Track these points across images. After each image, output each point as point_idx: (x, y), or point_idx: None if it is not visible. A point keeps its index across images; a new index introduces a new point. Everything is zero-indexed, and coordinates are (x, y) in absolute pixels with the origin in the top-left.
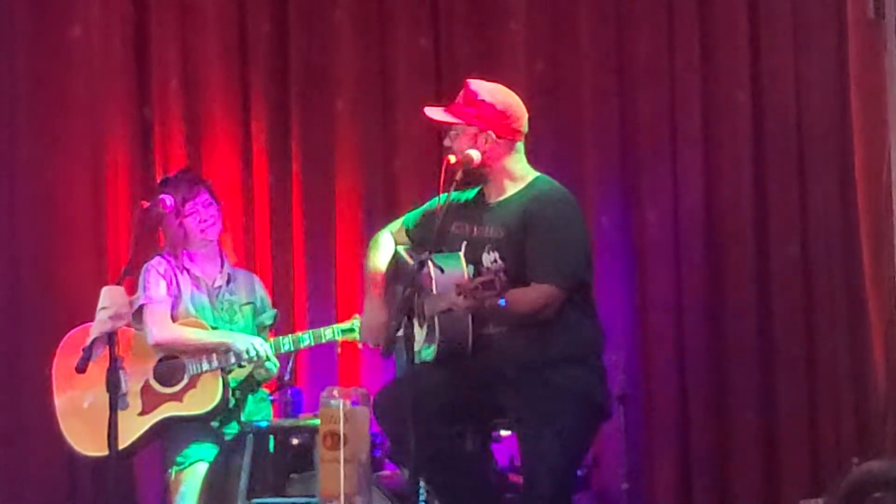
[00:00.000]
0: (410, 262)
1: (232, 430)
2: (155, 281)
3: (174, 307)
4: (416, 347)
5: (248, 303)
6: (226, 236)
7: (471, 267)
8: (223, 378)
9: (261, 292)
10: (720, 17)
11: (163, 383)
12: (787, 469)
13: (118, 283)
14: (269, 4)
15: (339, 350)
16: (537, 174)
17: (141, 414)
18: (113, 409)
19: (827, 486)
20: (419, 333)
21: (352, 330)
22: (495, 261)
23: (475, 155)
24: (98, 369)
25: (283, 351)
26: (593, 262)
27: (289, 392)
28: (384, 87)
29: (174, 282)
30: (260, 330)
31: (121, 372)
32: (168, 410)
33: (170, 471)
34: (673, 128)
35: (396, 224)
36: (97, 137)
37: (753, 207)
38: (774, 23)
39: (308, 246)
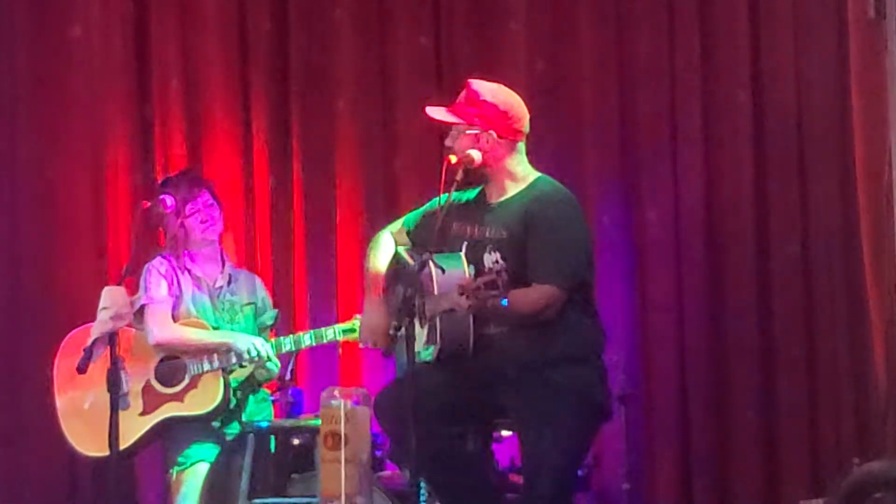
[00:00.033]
0: (411, 262)
1: (233, 430)
2: (156, 281)
3: (175, 307)
4: (417, 348)
5: (250, 303)
6: (227, 236)
7: (472, 267)
8: (224, 378)
9: (262, 293)
10: (720, 16)
11: (164, 383)
12: (787, 469)
13: (119, 284)
14: (270, 3)
15: (341, 350)
16: (538, 174)
17: (142, 414)
18: (114, 409)
19: (827, 486)
20: (420, 334)
21: (353, 330)
22: (497, 261)
23: (476, 155)
24: (99, 369)
25: (284, 351)
26: (594, 262)
27: (290, 392)
28: (385, 87)
29: (175, 282)
30: (261, 330)
31: (122, 372)
32: (169, 411)
33: (171, 471)
34: (673, 127)
35: (397, 224)
36: (97, 137)
37: (754, 207)
38: (775, 22)
39: (309, 246)
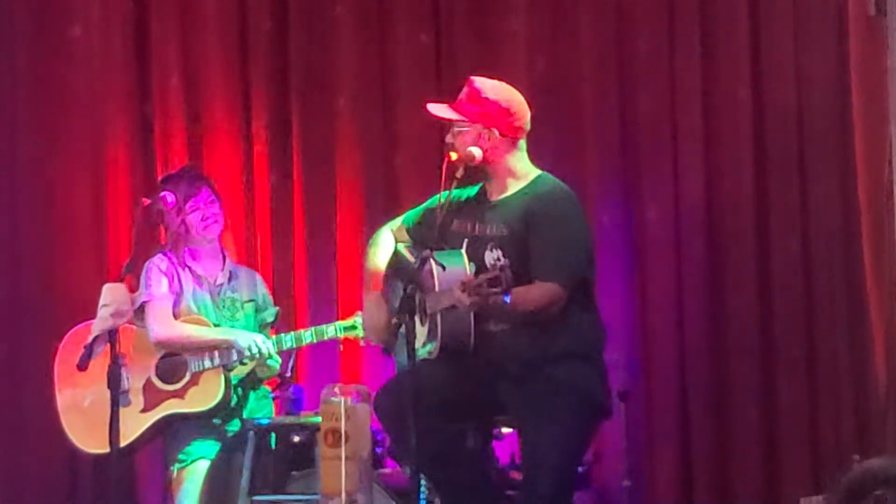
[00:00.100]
0: (411, 259)
1: (234, 427)
2: (157, 278)
3: (176, 304)
4: (417, 345)
5: (250, 300)
6: (227, 234)
7: (472, 265)
8: (225, 375)
9: (262, 290)
10: (721, 14)
11: (165, 380)
12: (787, 467)
13: (119, 281)
14: (270, 2)
15: (341, 347)
16: (539, 172)
17: (143, 411)
18: (114, 406)
19: (827, 483)
20: (420, 331)
21: (354, 327)
22: (498, 259)
23: (476, 152)
24: (99, 367)
25: (284, 348)
26: (595, 260)
27: (290, 389)
28: (385, 85)
29: (176, 279)
30: (262, 327)
31: (122, 369)
32: (170, 408)
33: (172, 468)
34: (673, 125)
35: (397, 222)
36: (97, 135)
37: (754, 205)
38: (775, 19)
39: (309, 243)
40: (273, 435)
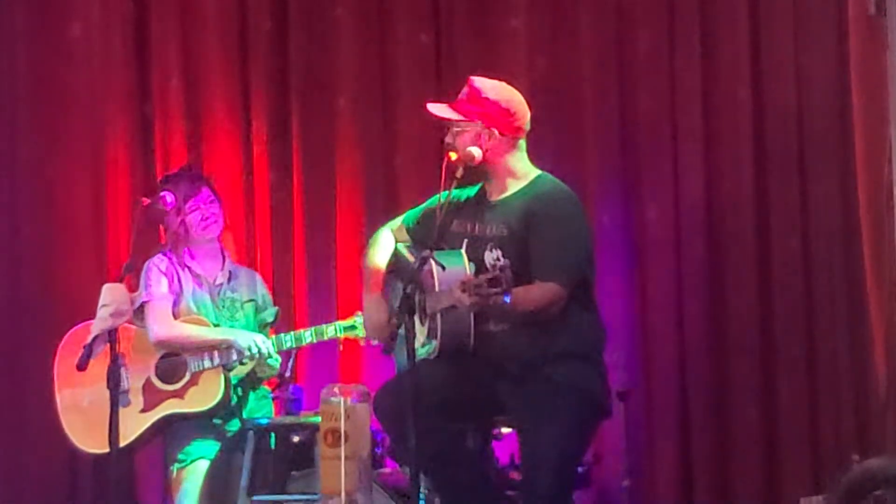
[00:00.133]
0: (411, 259)
1: (234, 427)
2: (156, 278)
3: (176, 304)
4: (417, 345)
5: (250, 300)
6: (227, 234)
7: (472, 265)
8: (225, 375)
9: (262, 290)
10: (721, 14)
11: (164, 380)
12: (787, 466)
13: (119, 281)
14: (270, 2)
15: (341, 347)
16: (539, 172)
17: (142, 411)
18: (114, 406)
19: (827, 483)
20: (420, 331)
21: (353, 327)
22: (497, 259)
23: (476, 153)
24: (99, 367)
25: (284, 348)
26: (595, 260)
27: (290, 389)
28: (385, 85)
29: (176, 279)
30: (261, 327)
31: (122, 369)
32: (169, 407)
33: (171, 468)
34: (673, 125)
35: (397, 222)
36: (97, 135)
37: (754, 205)
38: (775, 19)
39: (309, 243)
40: (273, 435)
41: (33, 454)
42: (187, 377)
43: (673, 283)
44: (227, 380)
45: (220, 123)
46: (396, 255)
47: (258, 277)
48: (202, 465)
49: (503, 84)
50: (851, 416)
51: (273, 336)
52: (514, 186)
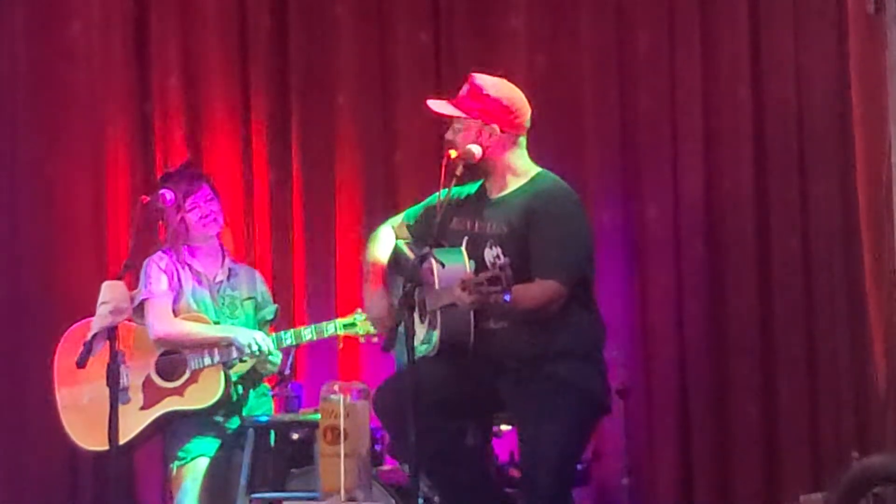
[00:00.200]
0: (411, 256)
1: (233, 424)
2: (156, 276)
3: (175, 302)
4: (416, 343)
5: (250, 298)
6: (226, 231)
7: (472, 262)
8: (225, 372)
9: (262, 287)
10: (721, 13)
11: (164, 378)
12: (787, 465)
13: (119, 278)
14: (270, 1)
15: (341, 345)
16: (539, 169)
17: (142, 408)
18: (113, 403)
19: (827, 481)
20: (420, 328)
21: (353, 324)
22: (498, 256)
23: (476, 150)
24: (99, 364)
25: (284, 345)
26: (595, 258)
27: (289, 387)
28: (385, 84)
29: (175, 276)
30: (261, 325)
31: (122, 367)
32: (169, 405)
33: (171, 465)
34: (673, 125)
35: (397, 219)
36: (97, 133)
37: (754, 204)
38: (775, 19)
39: (308, 241)
40: (272, 432)
41: (33, 454)
42: (187, 374)
43: (673, 282)
44: (227, 377)
45: (220, 123)
46: (397, 251)
47: (257, 275)
48: (202, 463)
49: (504, 81)
50: (851, 416)
51: (273, 333)
52: (514, 184)
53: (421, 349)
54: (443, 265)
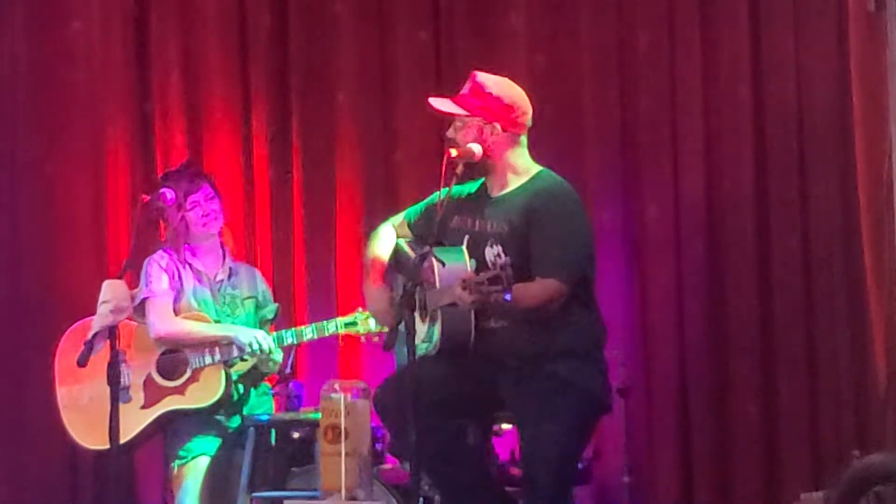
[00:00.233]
0: (412, 255)
1: (234, 423)
2: (157, 274)
3: (176, 301)
4: (417, 342)
5: (250, 297)
6: (227, 230)
7: (473, 261)
8: (226, 371)
9: (262, 286)
10: (721, 13)
11: (165, 377)
12: (787, 465)
13: (119, 277)
14: (270, 0)
15: (341, 344)
16: (540, 168)
17: (143, 407)
18: (114, 402)
19: (827, 479)
20: (421, 327)
21: (354, 323)
22: (499, 255)
23: (476, 149)
24: (100, 363)
25: (285, 344)
26: (595, 257)
27: (290, 386)
28: (384, 83)
29: (176, 275)
30: (261, 324)
31: (123, 365)
32: (170, 404)
33: (172, 465)
34: (673, 123)
35: (398, 218)
36: (97, 134)
37: (754, 203)
38: (775, 18)
39: (308, 239)
40: (273, 431)
41: (33, 454)
42: (188, 373)
43: (673, 282)
44: (227, 376)
45: (220, 122)
46: (397, 250)
47: (258, 274)
48: (203, 462)
49: (506, 80)
50: (851, 415)
51: (274, 332)
52: (515, 182)
53: (421, 348)
54: (443, 264)
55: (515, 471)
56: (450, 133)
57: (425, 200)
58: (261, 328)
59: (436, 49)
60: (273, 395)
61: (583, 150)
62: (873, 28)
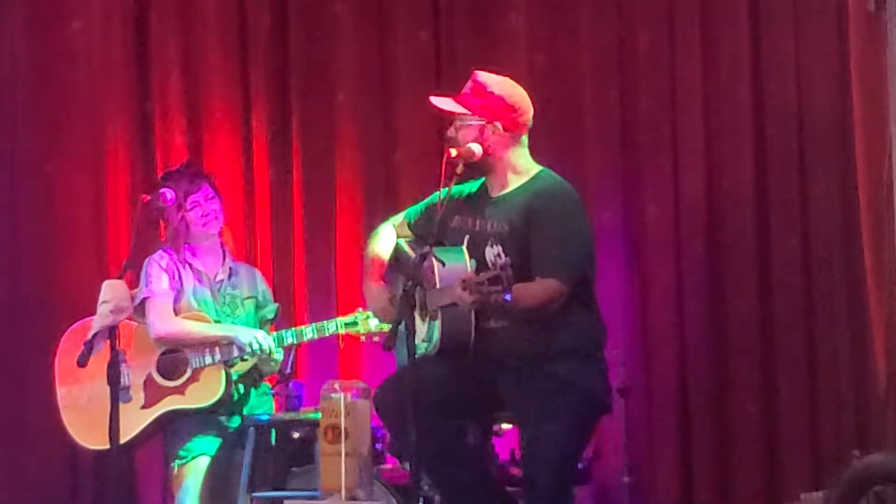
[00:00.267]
0: (412, 254)
1: (234, 423)
2: (157, 274)
3: (176, 301)
4: (417, 342)
5: (250, 296)
6: (227, 230)
7: (473, 261)
8: (226, 371)
9: (262, 286)
10: (721, 13)
11: (165, 377)
12: (787, 465)
13: (119, 277)
14: (270, 0)
15: (342, 344)
16: (540, 168)
17: (143, 407)
18: (114, 402)
19: (827, 479)
20: (421, 327)
21: (354, 323)
22: (499, 255)
23: (476, 149)
24: (100, 363)
25: (286, 344)
26: (595, 257)
27: (290, 386)
28: (384, 83)
29: (176, 275)
30: (262, 324)
31: (123, 365)
32: (170, 404)
33: (172, 465)
34: (673, 123)
35: (398, 217)
36: (97, 134)
37: (754, 203)
38: (775, 18)
39: (308, 239)
40: (273, 431)
41: (33, 454)
42: (188, 373)
43: (673, 282)
44: (228, 376)
45: (220, 122)
46: (398, 250)
47: (258, 274)
48: (203, 462)
49: (508, 80)
50: (851, 415)
51: (274, 332)
52: (515, 182)
53: (421, 348)
54: (443, 264)
55: (515, 471)
56: (450, 132)
57: (425, 200)
58: (261, 328)
59: (436, 49)
60: (273, 395)
61: (583, 150)
62: (873, 28)
